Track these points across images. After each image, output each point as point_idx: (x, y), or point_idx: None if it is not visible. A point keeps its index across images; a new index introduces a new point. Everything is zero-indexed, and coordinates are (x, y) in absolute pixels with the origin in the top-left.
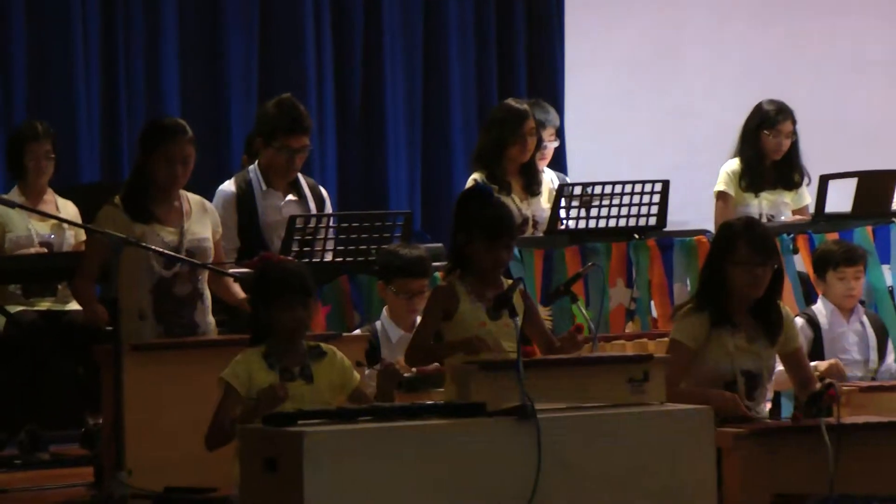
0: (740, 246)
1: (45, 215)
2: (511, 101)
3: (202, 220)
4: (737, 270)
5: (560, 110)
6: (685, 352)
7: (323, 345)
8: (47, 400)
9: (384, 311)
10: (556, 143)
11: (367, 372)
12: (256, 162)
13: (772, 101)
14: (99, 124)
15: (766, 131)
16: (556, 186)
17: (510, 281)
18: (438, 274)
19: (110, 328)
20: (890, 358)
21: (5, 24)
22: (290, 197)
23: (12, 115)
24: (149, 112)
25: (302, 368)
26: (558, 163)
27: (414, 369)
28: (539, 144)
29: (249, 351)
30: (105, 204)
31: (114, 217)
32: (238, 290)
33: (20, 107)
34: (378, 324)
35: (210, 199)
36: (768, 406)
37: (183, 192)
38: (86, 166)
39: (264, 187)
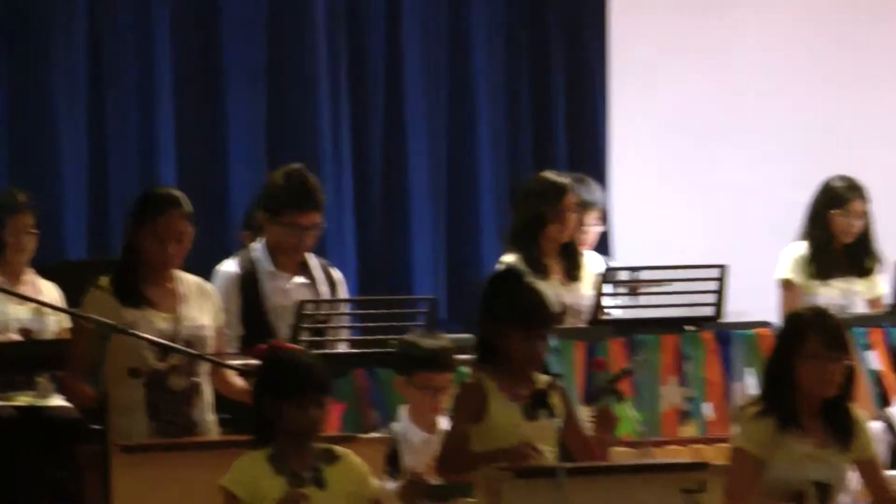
0: (810, 339)
1: (25, 298)
2: (548, 174)
3: (200, 304)
4: (806, 366)
5: (604, 185)
6: (751, 461)
7: (336, 448)
8: None
9: (403, 410)
10: (601, 228)
11: (389, 485)
12: (261, 240)
13: (841, 178)
14: (86, 193)
15: (834, 211)
16: (599, 271)
17: (546, 378)
18: (465, 368)
19: (97, 426)
20: None
21: None
22: (299, 279)
23: None
24: (142, 179)
25: (314, 473)
26: (602, 244)
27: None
28: (581, 225)
29: (253, 454)
30: (91, 287)
31: (101, 302)
32: (240, 383)
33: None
34: (397, 425)
35: (209, 280)
36: None
37: (178, 273)
38: (71, 242)
39: (270, 268)
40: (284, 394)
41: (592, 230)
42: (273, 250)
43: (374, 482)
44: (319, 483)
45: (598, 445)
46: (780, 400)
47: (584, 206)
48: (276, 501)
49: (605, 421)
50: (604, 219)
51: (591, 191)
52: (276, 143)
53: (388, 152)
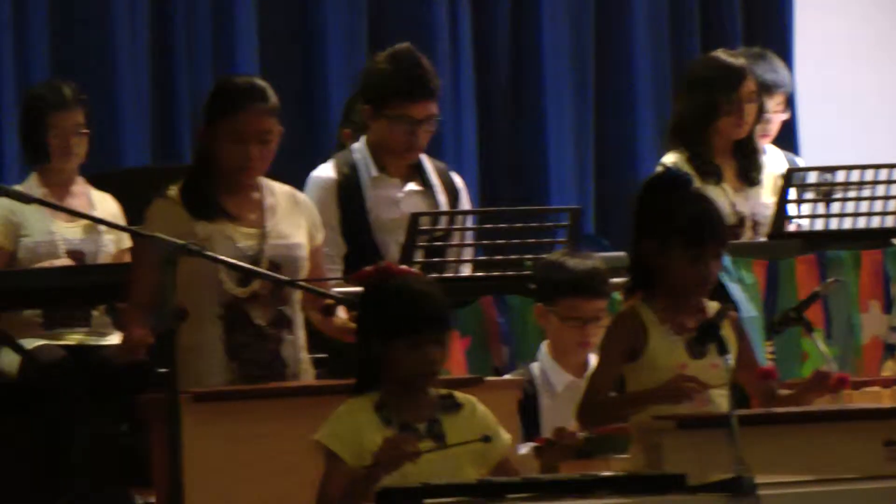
0: None
1: (75, 214)
2: (721, 54)
3: (293, 217)
4: None
5: (790, 67)
6: None
7: (458, 394)
8: (78, 469)
9: (543, 346)
10: (785, 115)
11: (522, 450)
12: (364, 138)
13: None
14: (148, 88)
15: None
16: (783, 172)
17: (716, 304)
18: (617, 294)
19: (164, 369)
20: None
21: None
22: (412, 186)
23: (28, 76)
24: (216, 70)
25: (430, 425)
26: (787, 140)
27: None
28: (761, 114)
29: (355, 401)
30: (157, 197)
31: (168, 214)
32: (340, 315)
33: (39, 64)
34: (535, 365)
35: (301, 188)
36: None
37: (264, 181)
38: (130, 145)
39: (374, 173)
40: (394, 329)
41: (775, 119)
42: (378, 151)
43: (505, 436)
44: (438, 437)
45: (797, 400)
46: None
47: (765, 88)
48: (378, 449)
49: (818, 384)
50: (788, 105)
51: (774, 69)
52: (380, 20)
53: (517, 29)
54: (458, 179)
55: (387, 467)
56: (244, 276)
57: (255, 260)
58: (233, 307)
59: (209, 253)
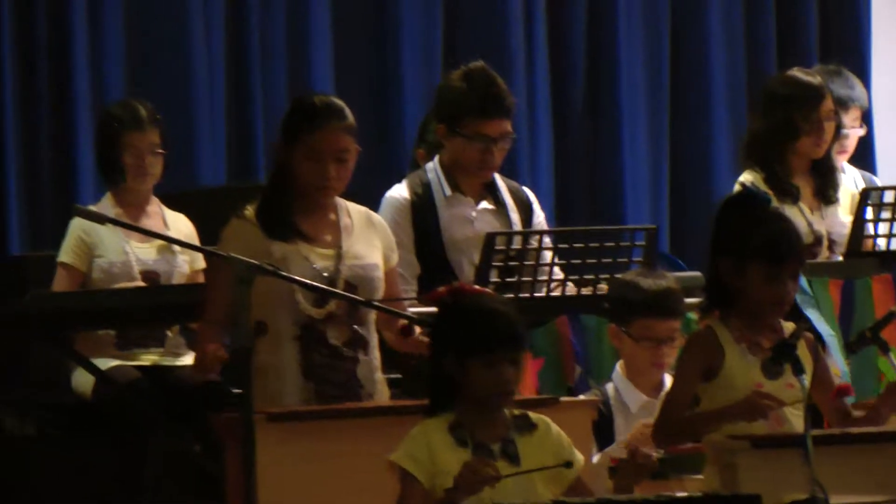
0: None
1: (150, 234)
2: (798, 72)
3: (368, 238)
4: None
5: (867, 83)
6: None
7: (532, 414)
8: (151, 490)
9: (618, 367)
10: (861, 131)
11: (595, 459)
12: (437, 158)
13: None
14: (224, 107)
15: None
16: (859, 190)
17: (792, 325)
18: (693, 314)
19: (239, 389)
20: None
21: None
22: (485, 205)
23: (104, 95)
24: (291, 90)
25: (504, 446)
26: (863, 158)
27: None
28: (839, 132)
29: (430, 422)
30: (233, 217)
31: (244, 234)
32: (415, 335)
33: (115, 84)
34: (610, 386)
35: (376, 208)
36: None
37: (341, 202)
38: (206, 165)
39: (448, 192)
40: (469, 349)
41: (852, 134)
42: (452, 170)
43: (579, 456)
44: (512, 457)
45: (872, 419)
46: None
47: (840, 104)
48: (458, 474)
49: (891, 395)
50: (864, 120)
51: (850, 85)
52: (455, 37)
53: (593, 44)
54: (531, 197)
55: (466, 491)
56: (320, 297)
57: (331, 280)
58: (309, 328)
59: (283, 273)
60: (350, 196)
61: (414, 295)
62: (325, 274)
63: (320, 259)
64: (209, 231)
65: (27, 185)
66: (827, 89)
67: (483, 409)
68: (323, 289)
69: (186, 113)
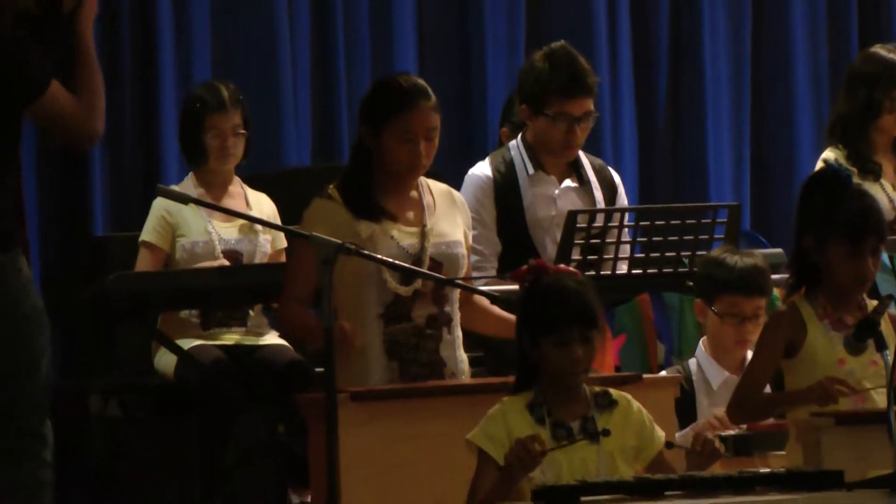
0: None
1: (233, 214)
2: (880, 49)
3: (451, 216)
4: None
5: None
6: None
7: (613, 391)
8: (236, 469)
9: (701, 343)
10: None
11: (677, 435)
12: (520, 136)
13: None
14: (309, 88)
15: None
16: None
17: (874, 302)
18: (777, 292)
19: (321, 369)
20: None
21: None
22: (569, 183)
23: (190, 77)
24: (375, 70)
25: (584, 423)
26: None
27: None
28: None
29: (510, 400)
30: (316, 197)
31: (329, 214)
32: (499, 313)
33: (201, 66)
34: (693, 362)
35: (457, 187)
36: None
37: (422, 180)
38: (290, 146)
39: (531, 170)
40: (542, 326)
41: None
42: (535, 149)
43: (660, 433)
44: (593, 435)
45: None
46: None
47: None
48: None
49: None
50: None
51: None
52: (538, 19)
53: (677, 28)
54: (616, 176)
55: (519, 468)
56: (406, 275)
57: (417, 258)
58: (395, 306)
59: (366, 252)
60: (434, 175)
61: (493, 273)
62: (412, 252)
63: (406, 237)
64: (293, 212)
65: (111, 167)
66: None
67: (560, 388)
68: (405, 267)
69: (272, 95)
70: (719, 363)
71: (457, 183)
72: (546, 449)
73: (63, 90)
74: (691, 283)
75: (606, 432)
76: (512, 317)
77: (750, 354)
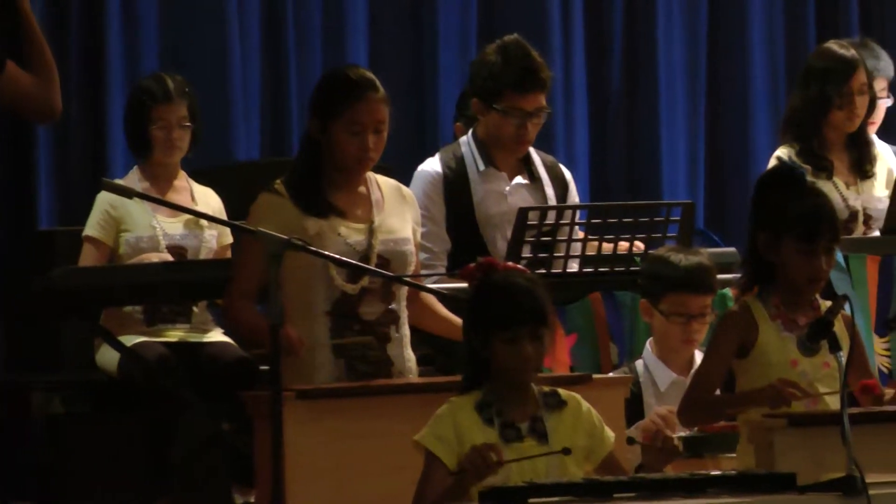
0: None
1: (177, 209)
2: (834, 45)
3: (400, 212)
4: None
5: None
6: None
7: (562, 391)
8: (180, 468)
9: (648, 344)
10: (889, 101)
11: (628, 432)
12: (471, 132)
13: None
14: (259, 81)
15: None
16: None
17: (828, 302)
18: (729, 291)
19: (266, 367)
20: None
21: None
22: (520, 180)
23: (138, 69)
24: (326, 63)
25: (533, 423)
26: (890, 124)
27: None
28: (873, 106)
29: (458, 400)
30: (263, 192)
31: (276, 209)
32: (444, 312)
33: (149, 58)
34: (640, 363)
35: (408, 181)
36: None
37: (371, 175)
38: (240, 140)
39: (482, 166)
40: (491, 325)
41: (880, 105)
42: (486, 145)
43: (610, 434)
44: (541, 435)
45: None
46: None
47: (868, 75)
48: (464, 456)
49: None
50: (891, 90)
51: (877, 55)
52: (490, 10)
53: (631, 22)
54: (567, 173)
55: (472, 476)
56: (353, 273)
57: (364, 256)
58: (342, 303)
59: (314, 248)
60: (385, 170)
61: (443, 270)
62: (359, 249)
63: (354, 234)
64: (243, 206)
65: (57, 159)
66: (861, 62)
67: (510, 387)
68: (353, 264)
69: (221, 88)
70: (666, 364)
71: (408, 177)
72: (503, 460)
73: (19, 69)
74: (640, 282)
75: (567, 451)
76: (458, 319)
77: (697, 354)
